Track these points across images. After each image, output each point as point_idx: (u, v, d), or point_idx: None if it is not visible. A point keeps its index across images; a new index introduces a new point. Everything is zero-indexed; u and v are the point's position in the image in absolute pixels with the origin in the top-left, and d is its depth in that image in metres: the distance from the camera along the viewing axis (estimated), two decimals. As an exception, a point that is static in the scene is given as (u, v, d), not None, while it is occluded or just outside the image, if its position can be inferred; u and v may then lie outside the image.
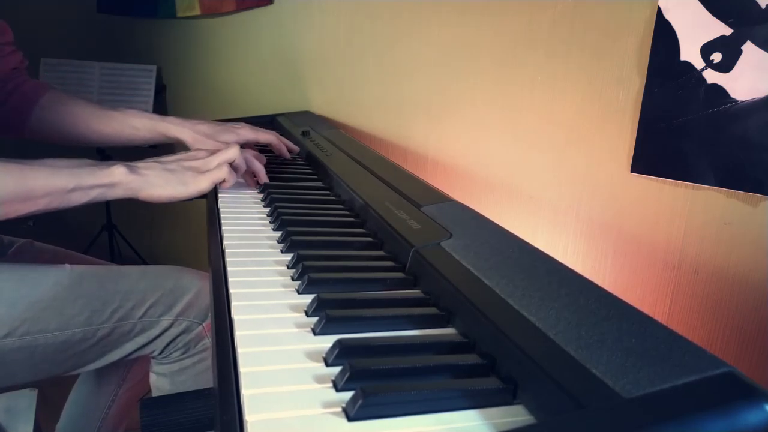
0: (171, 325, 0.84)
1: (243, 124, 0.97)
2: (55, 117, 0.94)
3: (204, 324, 0.87)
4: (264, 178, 0.83)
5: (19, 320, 0.74)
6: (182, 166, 0.75)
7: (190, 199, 0.76)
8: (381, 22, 1.21)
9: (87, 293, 0.79)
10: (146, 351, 0.85)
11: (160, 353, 0.87)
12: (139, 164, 0.74)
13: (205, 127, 0.93)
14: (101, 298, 0.80)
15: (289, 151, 0.99)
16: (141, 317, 0.82)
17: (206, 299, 0.86)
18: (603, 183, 0.79)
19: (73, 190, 0.69)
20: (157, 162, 0.75)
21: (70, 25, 2.66)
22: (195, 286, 0.86)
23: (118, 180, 0.71)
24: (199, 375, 0.88)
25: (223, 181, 0.76)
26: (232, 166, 0.77)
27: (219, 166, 0.76)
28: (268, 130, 0.99)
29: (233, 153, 0.78)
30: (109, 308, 0.80)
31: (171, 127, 0.93)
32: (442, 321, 0.45)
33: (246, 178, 0.84)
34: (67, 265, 0.81)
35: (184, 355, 0.87)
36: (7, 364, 0.75)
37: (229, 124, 0.96)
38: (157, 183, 0.73)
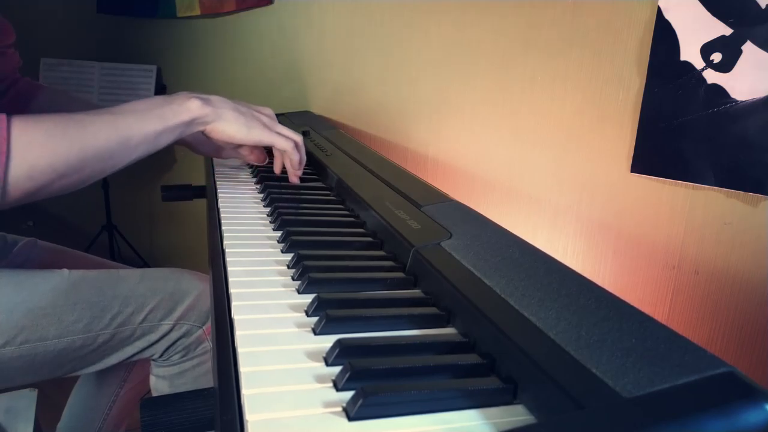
0: (171, 329, 0.84)
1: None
2: None
3: (204, 327, 0.86)
4: (294, 177, 0.83)
5: (18, 328, 0.73)
6: (252, 113, 0.76)
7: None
8: (381, 22, 1.21)
9: (86, 299, 0.78)
10: (146, 354, 0.85)
11: (160, 356, 0.86)
12: (211, 96, 0.74)
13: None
14: (100, 304, 0.79)
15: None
16: (141, 322, 0.82)
17: (206, 302, 0.86)
18: (603, 183, 0.79)
19: (162, 133, 0.69)
20: (228, 98, 0.76)
21: (70, 25, 2.66)
22: (195, 289, 0.86)
23: (195, 114, 0.71)
24: (199, 378, 0.88)
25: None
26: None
27: (285, 136, 0.78)
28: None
29: (300, 140, 0.81)
30: (108, 314, 0.79)
31: None
32: (442, 321, 0.45)
33: (295, 163, 0.83)
34: (65, 270, 0.80)
35: (184, 358, 0.87)
36: (6, 370, 0.75)
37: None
38: (227, 118, 0.73)
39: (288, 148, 0.79)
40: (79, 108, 0.94)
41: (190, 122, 0.71)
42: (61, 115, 0.62)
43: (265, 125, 0.77)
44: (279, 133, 0.78)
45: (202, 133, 0.74)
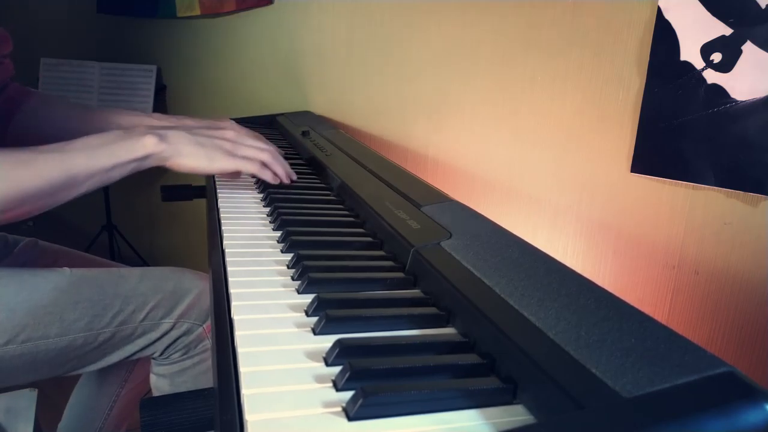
0: (172, 328, 0.84)
1: (226, 117, 0.97)
2: (35, 122, 0.93)
3: (204, 325, 0.87)
4: (285, 180, 0.81)
5: (20, 327, 0.74)
6: (213, 142, 0.75)
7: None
8: (381, 22, 1.21)
9: (87, 298, 0.79)
10: (147, 352, 0.85)
11: (161, 354, 0.87)
12: (168, 132, 0.73)
13: (189, 121, 0.94)
14: (101, 303, 0.79)
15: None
16: (142, 320, 0.82)
17: (207, 301, 0.86)
18: (603, 183, 0.79)
19: (113, 168, 0.69)
20: (186, 131, 0.74)
21: (70, 25, 2.66)
22: (196, 287, 0.86)
23: (150, 151, 0.70)
24: (199, 376, 0.88)
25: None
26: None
27: (250, 159, 0.76)
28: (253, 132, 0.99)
29: (267, 157, 0.78)
30: (109, 313, 0.80)
31: (155, 123, 0.93)
32: (442, 321, 0.45)
33: (271, 176, 0.81)
34: (67, 269, 0.80)
35: (185, 356, 0.87)
36: (8, 369, 0.75)
37: (214, 119, 0.97)
38: (185, 152, 0.72)
39: (254, 170, 0.77)
40: (62, 113, 0.94)
41: (145, 158, 0.71)
42: (3, 154, 0.64)
43: (227, 152, 0.75)
44: (244, 157, 0.76)
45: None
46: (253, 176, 0.79)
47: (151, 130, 0.72)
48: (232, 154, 0.75)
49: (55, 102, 0.95)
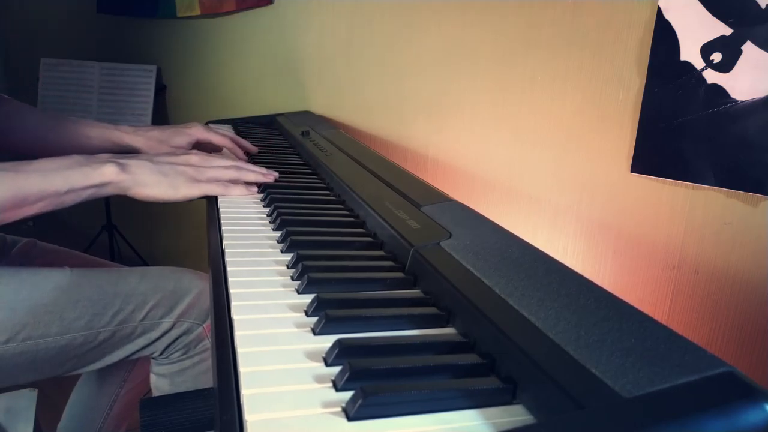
0: (172, 327, 0.84)
1: (195, 124, 0.98)
2: (7, 127, 0.93)
3: (204, 325, 0.87)
4: (264, 179, 0.80)
5: (20, 325, 0.74)
6: (175, 169, 0.74)
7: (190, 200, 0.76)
8: (381, 22, 1.21)
9: (87, 297, 0.79)
10: (147, 352, 0.86)
11: (161, 354, 0.87)
12: (131, 161, 0.73)
13: (156, 133, 0.94)
14: (102, 302, 0.79)
15: (248, 153, 0.98)
16: (142, 320, 0.82)
17: (207, 300, 0.86)
18: (603, 183, 0.79)
19: (67, 192, 0.69)
20: (149, 161, 0.74)
21: (70, 25, 2.66)
22: (196, 287, 0.86)
23: (108, 180, 0.71)
24: (199, 376, 0.88)
25: None
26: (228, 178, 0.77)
27: (214, 180, 0.76)
28: (225, 132, 0.99)
29: (231, 174, 0.77)
30: (109, 311, 0.80)
31: (124, 136, 0.94)
32: (442, 321, 0.45)
33: (241, 189, 0.80)
34: (67, 268, 0.81)
35: (185, 356, 0.87)
36: (8, 367, 0.75)
37: (180, 127, 0.97)
38: (147, 182, 0.72)
39: (220, 191, 0.76)
40: (32, 123, 0.94)
41: (102, 185, 0.71)
42: None
43: (190, 178, 0.74)
44: (208, 179, 0.76)
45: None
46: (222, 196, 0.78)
47: (113, 158, 0.72)
48: (195, 180, 0.75)
49: (27, 110, 0.96)
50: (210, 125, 1.13)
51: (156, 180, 0.73)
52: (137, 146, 0.93)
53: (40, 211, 0.69)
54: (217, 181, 0.76)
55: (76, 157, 0.71)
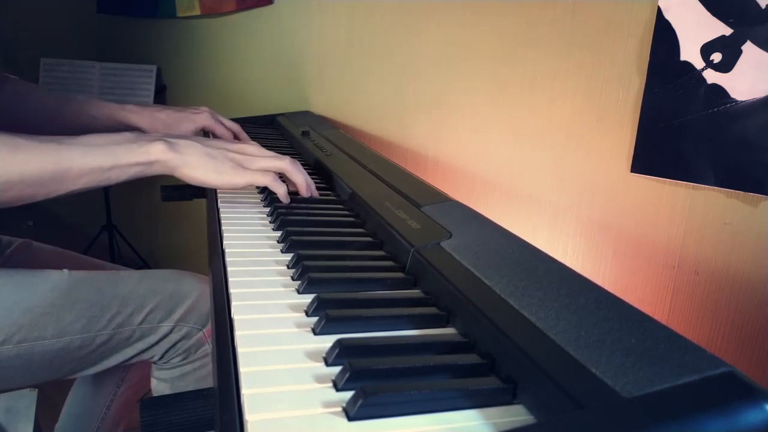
0: (171, 331, 0.83)
1: (204, 109, 0.97)
2: (12, 106, 0.92)
3: (204, 330, 0.86)
4: (304, 191, 0.76)
5: (16, 326, 0.73)
6: (225, 155, 0.72)
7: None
8: (381, 22, 1.21)
9: (85, 299, 0.78)
10: (146, 356, 0.85)
11: (161, 358, 0.86)
12: (180, 141, 0.71)
13: (164, 115, 0.93)
14: (99, 304, 0.79)
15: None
16: (140, 323, 0.81)
17: (207, 305, 0.85)
18: (603, 183, 0.79)
19: (111, 168, 0.67)
20: (199, 142, 0.72)
21: (70, 25, 2.66)
22: (195, 290, 0.86)
23: (155, 158, 0.69)
24: (200, 381, 0.88)
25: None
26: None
27: (263, 171, 0.72)
28: (231, 125, 0.98)
29: (283, 165, 0.73)
30: (107, 314, 0.79)
31: (129, 115, 0.93)
32: (442, 321, 0.45)
33: (285, 189, 0.75)
34: (66, 270, 0.80)
35: (185, 361, 0.87)
36: (3, 369, 0.75)
37: (189, 111, 0.96)
38: (194, 164, 0.70)
39: (267, 183, 0.72)
40: (38, 102, 0.93)
41: (149, 164, 0.69)
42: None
43: (238, 165, 0.72)
44: (256, 170, 0.72)
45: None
46: (266, 187, 0.75)
47: (163, 137, 0.70)
48: (243, 168, 0.72)
49: (31, 89, 0.95)
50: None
51: (203, 162, 0.70)
52: (141, 126, 0.92)
53: (84, 186, 0.67)
54: (265, 171, 0.73)
55: (125, 134, 0.70)
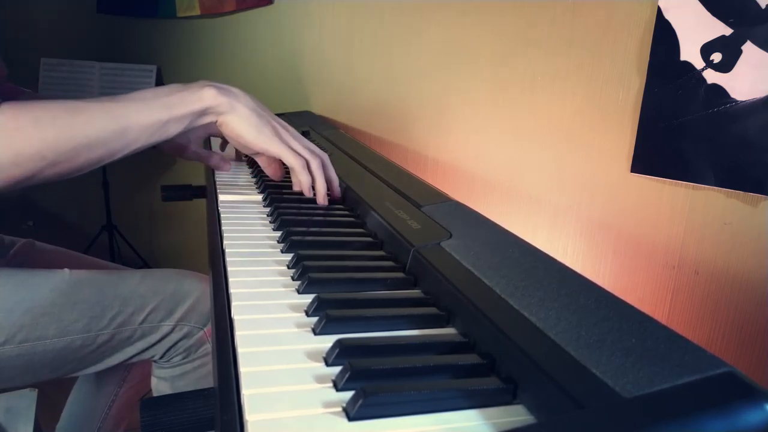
0: (171, 330, 0.84)
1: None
2: None
3: (205, 329, 0.86)
4: (322, 197, 0.74)
5: (17, 327, 0.73)
6: (269, 120, 0.72)
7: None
8: (381, 22, 1.21)
9: (86, 299, 0.78)
10: (147, 355, 0.85)
11: (161, 357, 0.86)
12: (231, 87, 0.70)
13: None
14: (100, 304, 0.79)
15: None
16: (141, 323, 0.81)
17: (207, 304, 0.86)
18: (603, 183, 0.79)
19: (168, 122, 0.66)
20: (248, 96, 0.72)
21: (70, 25, 2.66)
22: (196, 290, 0.86)
23: (208, 104, 0.68)
24: (201, 380, 0.88)
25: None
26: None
27: (296, 153, 0.71)
28: None
29: (313, 160, 0.72)
30: (108, 314, 0.79)
31: None
32: (442, 321, 0.45)
33: (308, 179, 0.74)
34: (66, 270, 0.80)
35: (185, 360, 0.87)
36: (5, 370, 0.75)
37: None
38: (241, 114, 0.69)
39: (296, 165, 0.71)
40: None
41: (202, 112, 0.68)
42: (54, 102, 0.61)
43: (277, 134, 0.71)
44: (290, 148, 0.71)
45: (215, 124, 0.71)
46: (288, 172, 0.73)
47: (211, 83, 0.69)
48: (281, 139, 0.71)
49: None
50: None
51: (248, 115, 0.70)
52: None
53: (144, 145, 0.66)
54: (297, 154, 0.72)
55: (173, 85, 0.69)
